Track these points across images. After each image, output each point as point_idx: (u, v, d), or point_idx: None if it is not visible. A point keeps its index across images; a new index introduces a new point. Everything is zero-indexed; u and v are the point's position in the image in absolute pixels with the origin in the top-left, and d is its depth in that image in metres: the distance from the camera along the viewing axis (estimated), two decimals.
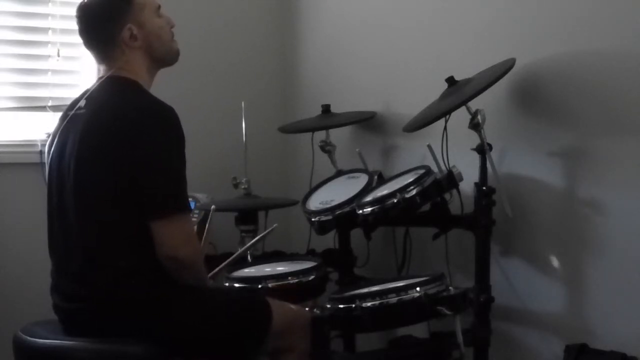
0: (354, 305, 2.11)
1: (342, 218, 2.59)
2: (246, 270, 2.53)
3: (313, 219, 2.66)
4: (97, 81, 2.12)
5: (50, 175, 2.12)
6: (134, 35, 2.10)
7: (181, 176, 2.01)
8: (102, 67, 2.14)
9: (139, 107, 2.02)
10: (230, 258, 2.43)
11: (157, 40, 2.15)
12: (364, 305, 2.10)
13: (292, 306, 2.19)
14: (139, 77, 2.12)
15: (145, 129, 1.97)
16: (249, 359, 2.12)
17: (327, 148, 3.00)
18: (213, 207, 2.48)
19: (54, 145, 2.12)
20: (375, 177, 2.73)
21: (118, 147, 1.95)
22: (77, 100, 2.13)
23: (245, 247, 2.54)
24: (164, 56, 2.18)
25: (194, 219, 2.94)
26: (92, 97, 2.09)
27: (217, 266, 2.36)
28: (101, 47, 2.13)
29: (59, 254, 2.08)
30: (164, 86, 2.18)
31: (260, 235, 2.55)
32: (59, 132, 2.12)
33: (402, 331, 2.33)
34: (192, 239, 2.06)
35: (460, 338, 2.11)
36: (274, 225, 2.52)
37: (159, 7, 2.19)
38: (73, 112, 2.10)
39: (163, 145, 1.98)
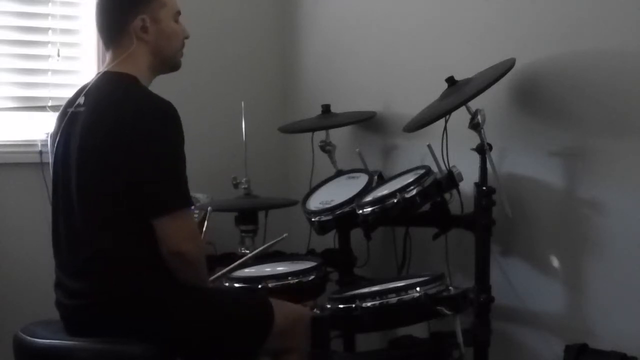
0: (354, 305, 2.11)
1: (342, 218, 2.59)
2: (246, 270, 2.53)
3: (313, 219, 2.66)
4: (95, 76, 2.11)
5: (55, 174, 2.11)
6: (146, 27, 2.08)
7: (182, 172, 2.00)
8: (108, 55, 2.13)
9: (138, 102, 2.00)
10: (233, 265, 2.42)
11: (167, 42, 2.13)
12: (364, 305, 2.10)
13: (295, 306, 2.18)
14: (140, 73, 2.09)
15: (145, 124, 1.96)
16: (250, 359, 2.11)
17: (327, 148, 3.00)
18: (209, 208, 2.48)
19: (56, 144, 2.11)
20: (375, 177, 2.73)
21: (118, 144, 1.94)
22: (75, 97, 2.11)
23: (251, 254, 2.50)
24: (167, 60, 2.16)
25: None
26: (90, 93, 2.07)
27: (217, 267, 2.36)
28: (111, 31, 2.11)
29: (63, 250, 2.07)
30: (164, 86, 2.18)
31: (269, 244, 2.51)
32: (60, 130, 2.10)
33: (402, 331, 2.33)
34: (195, 234, 2.06)
35: (460, 338, 2.11)
36: (284, 235, 2.46)
37: (179, 13, 2.17)
38: (72, 109, 2.09)
39: (163, 141, 1.97)
